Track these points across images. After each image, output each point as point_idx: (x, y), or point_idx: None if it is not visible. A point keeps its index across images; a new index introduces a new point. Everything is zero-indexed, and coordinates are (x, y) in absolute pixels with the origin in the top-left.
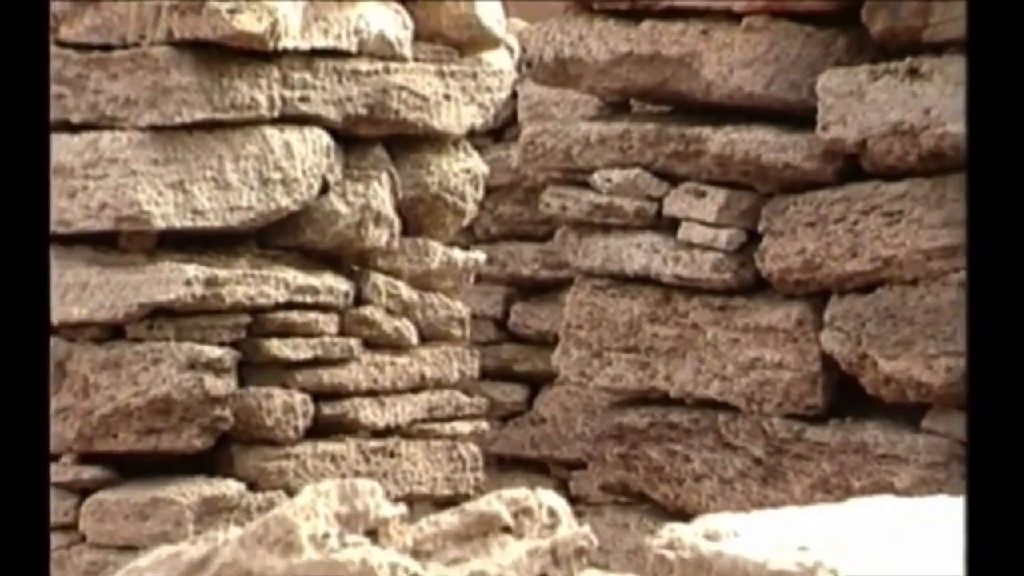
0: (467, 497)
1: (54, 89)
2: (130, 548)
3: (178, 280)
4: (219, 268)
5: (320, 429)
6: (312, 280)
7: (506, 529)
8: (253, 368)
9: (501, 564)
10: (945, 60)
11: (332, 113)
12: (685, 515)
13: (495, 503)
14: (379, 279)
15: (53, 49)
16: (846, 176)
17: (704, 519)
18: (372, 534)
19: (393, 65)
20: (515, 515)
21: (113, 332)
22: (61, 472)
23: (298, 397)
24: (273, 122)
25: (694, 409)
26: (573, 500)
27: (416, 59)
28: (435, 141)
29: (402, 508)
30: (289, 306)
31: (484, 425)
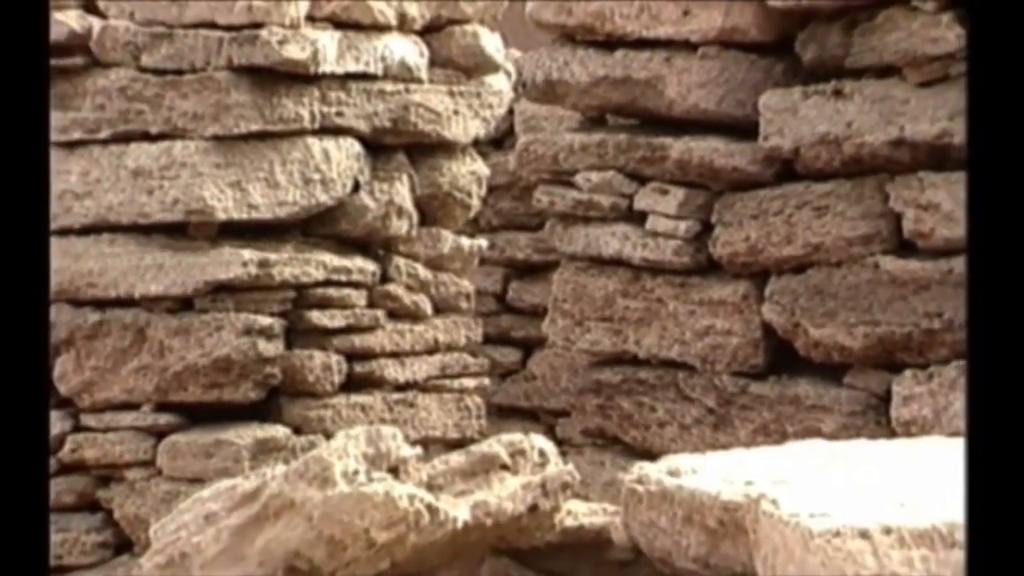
0: (472, 440)
1: (136, 106)
2: (198, 480)
3: (236, 262)
4: (270, 252)
5: (352, 384)
6: (346, 262)
7: (504, 467)
8: (297, 334)
9: (500, 496)
10: (863, 83)
11: (362, 125)
12: (651, 455)
13: (495, 445)
14: (400, 261)
15: (135, 73)
16: (783, 177)
17: (667, 458)
18: (394, 471)
19: (412, 86)
20: (511, 455)
21: (183, 304)
22: (141, 418)
23: (334, 358)
24: (314, 133)
25: (658, 368)
26: (559, 443)
27: (431, 81)
28: (446, 148)
29: (418, 450)
30: (327, 283)
31: (486, 381)
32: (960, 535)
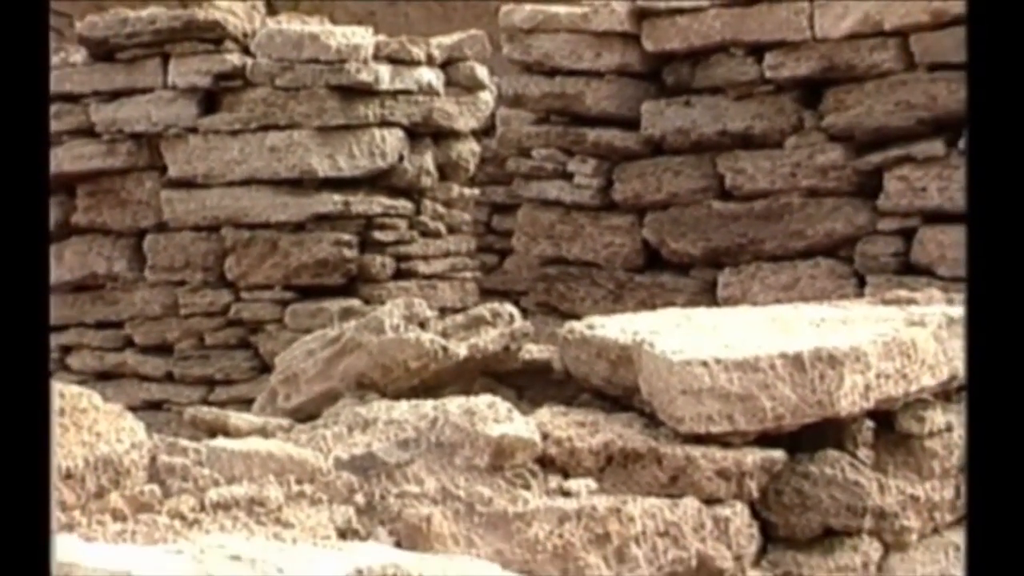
0: (468, 308)
1: (272, 110)
2: (307, 331)
3: (329, 202)
4: (350, 196)
5: (398, 275)
6: (395, 202)
7: (488, 323)
8: (366, 245)
9: (486, 340)
10: (702, 97)
11: (404, 121)
12: (576, 317)
13: (483, 310)
14: (427, 202)
15: (271, 90)
16: (656, 153)
17: (586, 319)
18: (422, 325)
19: (434, 98)
20: (493, 316)
21: (299, 227)
22: (275, 294)
23: (388, 259)
24: (376, 125)
25: (581, 266)
26: (522, 311)
27: (446, 95)
28: (455, 135)
29: (436, 313)
30: (383, 215)
31: (478, 274)
32: (762, 363)
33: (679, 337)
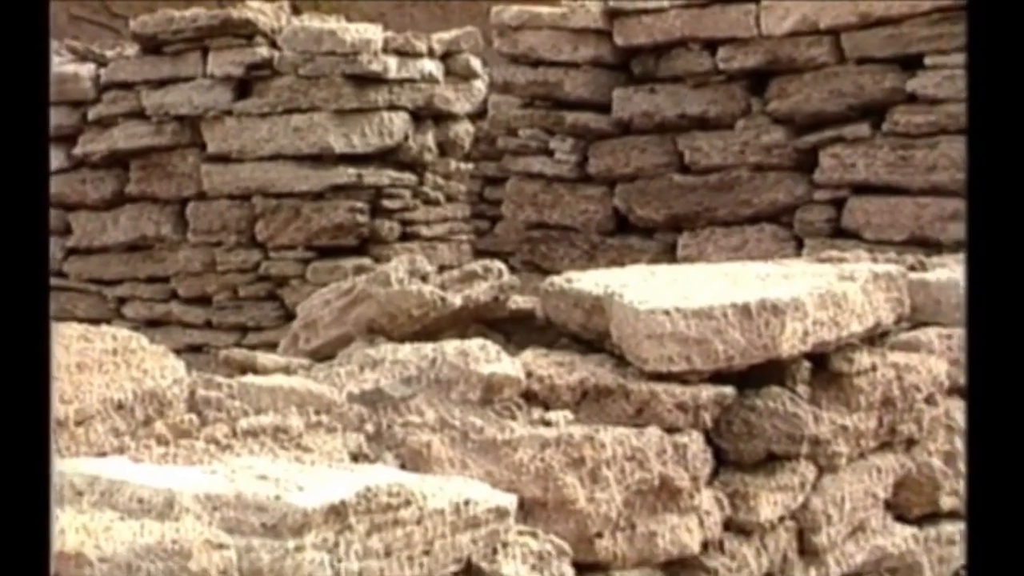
0: (463, 265)
1: (296, 95)
2: (325, 285)
3: (344, 174)
4: (362, 169)
5: (404, 237)
6: (401, 175)
7: (480, 277)
8: (376, 212)
9: (478, 291)
10: (666, 86)
11: (409, 105)
12: (557, 273)
13: (475, 266)
14: (428, 175)
15: (295, 78)
16: (625, 133)
17: (565, 274)
18: (423, 279)
19: (435, 86)
20: (484, 271)
21: (318, 196)
22: (298, 254)
23: (396, 224)
24: (385, 109)
25: (561, 230)
26: (511, 268)
27: (445, 83)
28: (453, 117)
29: (434, 269)
30: (391, 186)
31: (472, 237)
32: (716, 312)
33: (645, 290)
